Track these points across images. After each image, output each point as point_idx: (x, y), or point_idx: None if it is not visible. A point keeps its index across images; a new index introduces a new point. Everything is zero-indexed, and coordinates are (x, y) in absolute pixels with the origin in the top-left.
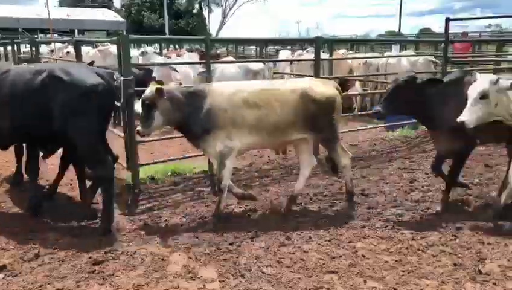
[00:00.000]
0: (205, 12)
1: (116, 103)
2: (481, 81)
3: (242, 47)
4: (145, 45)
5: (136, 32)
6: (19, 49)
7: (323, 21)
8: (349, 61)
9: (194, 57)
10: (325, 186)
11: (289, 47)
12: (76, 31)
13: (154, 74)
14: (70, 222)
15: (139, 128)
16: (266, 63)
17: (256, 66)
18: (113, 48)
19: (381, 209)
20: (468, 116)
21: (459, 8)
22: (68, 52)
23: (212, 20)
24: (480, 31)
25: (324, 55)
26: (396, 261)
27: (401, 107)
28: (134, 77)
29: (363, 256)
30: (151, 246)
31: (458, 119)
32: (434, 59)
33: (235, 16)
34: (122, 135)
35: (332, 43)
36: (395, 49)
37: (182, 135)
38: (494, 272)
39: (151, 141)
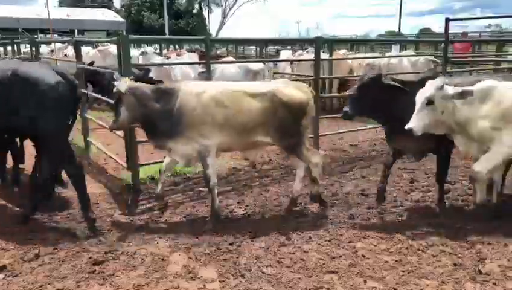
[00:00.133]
0: (205, 13)
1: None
2: (428, 86)
3: (242, 47)
4: (145, 45)
5: (136, 33)
6: (19, 49)
7: (323, 21)
8: (349, 61)
9: (194, 57)
10: (325, 186)
11: (289, 47)
12: (76, 31)
13: (151, 74)
14: (70, 222)
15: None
16: (266, 63)
17: (256, 66)
18: (113, 48)
19: (381, 210)
20: (415, 123)
21: (458, 8)
22: (66, 55)
23: (212, 20)
24: (480, 31)
25: (324, 56)
26: (396, 261)
27: (368, 107)
28: (134, 77)
29: (363, 256)
30: (152, 246)
31: (406, 127)
32: (434, 59)
33: (235, 16)
34: (122, 135)
35: (332, 43)
36: (395, 49)
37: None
38: (494, 272)
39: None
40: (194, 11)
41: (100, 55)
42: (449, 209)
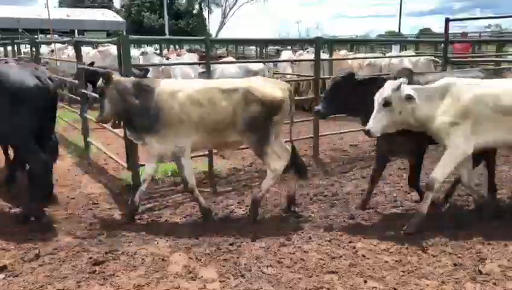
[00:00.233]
0: (205, 13)
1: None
2: (385, 87)
3: (242, 47)
4: (145, 46)
5: (136, 33)
6: (19, 49)
7: (323, 21)
8: (350, 61)
9: (194, 58)
10: (325, 186)
11: (289, 47)
12: (76, 31)
13: (150, 74)
14: (71, 221)
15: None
16: (266, 64)
17: (256, 66)
18: (113, 49)
19: (381, 210)
20: (373, 124)
21: (458, 8)
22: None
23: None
24: (480, 31)
25: (324, 56)
26: (396, 261)
27: (341, 106)
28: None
29: (363, 256)
30: (152, 246)
31: (365, 128)
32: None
33: (235, 16)
34: (122, 134)
35: (332, 44)
36: (395, 50)
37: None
38: (494, 272)
39: None
40: (194, 12)
41: (100, 55)
42: (449, 209)
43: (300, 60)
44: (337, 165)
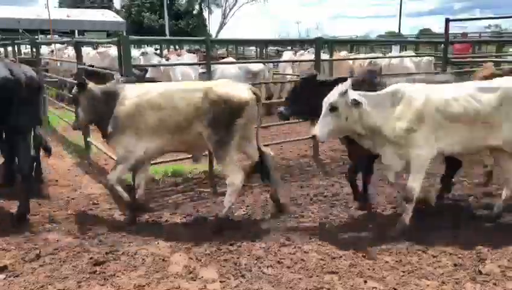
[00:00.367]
0: (205, 13)
1: None
2: (333, 92)
3: (242, 48)
4: (145, 46)
5: (136, 33)
6: (19, 50)
7: (323, 21)
8: (350, 62)
9: (193, 58)
10: (325, 187)
11: (289, 48)
12: (76, 31)
13: (148, 75)
14: (71, 222)
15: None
16: (266, 64)
17: (256, 66)
18: (112, 50)
19: (381, 210)
20: (319, 130)
21: (458, 9)
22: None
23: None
24: (480, 31)
25: (325, 56)
26: (396, 261)
27: (303, 107)
28: (134, 78)
29: (364, 256)
30: (152, 246)
31: (310, 133)
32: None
33: (235, 16)
34: None
35: (333, 44)
36: (395, 50)
37: None
38: (494, 273)
39: None
40: (194, 12)
41: (99, 56)
42: (449, 209)
43: (300, 61)
44: (337, 166)
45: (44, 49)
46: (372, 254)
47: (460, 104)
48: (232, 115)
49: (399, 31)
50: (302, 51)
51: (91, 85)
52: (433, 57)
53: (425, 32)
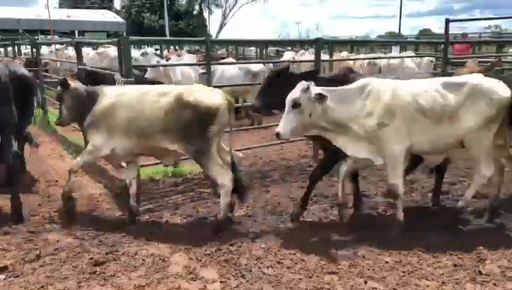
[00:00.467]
0: (205, 14)
1: None
2: (295, 88)
3: (242, 48)
4: (145, 46)
5: (136, 34)
6: (19, 50)
7: (323, 21)
8: (351, 62)
9: (193, 58)
10: (325, 187)
11: (289, 48)
12: (76, 32)
13: (147, 75)
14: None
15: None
16: (266, 64)
17: (256, 67)
18: (110, 51)
19: (381, 210)
20: (282, 127)
21: (458, 9)
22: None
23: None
24: (479, 32)
25: (325, 56)
26: (396, 261)
27: (275, 100)
28: (134, 78)
29: (364, 257)
30: (152, 247)
31: (275, 131)
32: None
33: (235, 17)
34: None
35: (333, 44)
36: (395, 50)
37: None
38: (494, 273)
39: None
40: (194, 12)
41: (98, 57)
42: (449, 209)
43: (300, 61)
44: (337, 166)
45: (44, 50)
46: (372, 254)
47: (428, 98)
48: (204, 121)
49: (399, 31)
50: (303, 51)
51: (74, 84)
52: (433, 58)
53: (425, 32)
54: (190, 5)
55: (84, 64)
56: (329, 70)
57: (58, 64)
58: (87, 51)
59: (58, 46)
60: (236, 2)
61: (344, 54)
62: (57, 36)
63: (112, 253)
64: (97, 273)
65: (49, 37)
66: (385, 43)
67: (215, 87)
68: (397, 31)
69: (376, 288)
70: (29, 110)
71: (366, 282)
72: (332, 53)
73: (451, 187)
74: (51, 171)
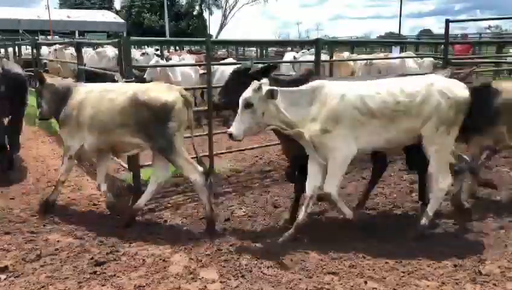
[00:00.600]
0: (205, 14)
1: None
2: (248, 89)
3: (242, 48)
4: (146, 46)
5: (137, 34)
6: (20, 50)
7: (323, 22)
8: (352, 63)
9: (191, 59)
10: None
11: (289, 48)
12: (76, 32)
13: (146, 75)
14: (72, 222)
15: None
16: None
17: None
18: (109, 51)
19: (381, 211)
20: (235, 127)
21: (458, 10)
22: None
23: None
24: (480, 32)
25: (325, 57)
26: (396, 262)
27: (235, 97)
28: (135, 78)
29: (364, 257)
30: (153, 247)
31: (227, 132)
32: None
33: (235, 17)
34: None
35: (333, 45)
36: (396, 51)
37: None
38: (494, 273)
39: None
40: (195, 13)
41: (97, 57)
42: (449, 209)
43: (300, 62)
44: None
45: (44, 50)
46: (372, 254)
47: (379, 100)
48: (160, 119)
49: (399, 31)
50: (305, 50)
51: (50, 80)
52: (432, 59)
53: (425, 33)
54: (190, 5)
55: (85, 65)
56: (330, 71)
57: (58, 65)
58: (86, 51)
59: (56, 46)
60: (236, 2)
61: (346, 54)
62: (57, 36)
63: (113, 253)
64: (97, 273)
65: (49, 37)
66: (385, 43)
67: (215, 87)
68: (397, 31)
69: (376, 288)
70: (22, 109)
71: (366, 282)
72: (333, 54)
73: (451, 187)
74: (51, 171)
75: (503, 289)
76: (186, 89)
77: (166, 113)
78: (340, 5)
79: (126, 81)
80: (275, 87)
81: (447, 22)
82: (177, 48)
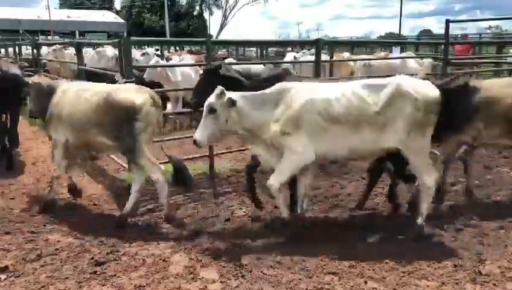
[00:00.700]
0: (206, 14)
1: None
2: (212, 94)
3: (243, 49)
4: (146, 46)
5: (137, 34)
6: (20, 50)
7: (324, 22)
8: (352, 63)
9: (192, 59)
10: (325, 187)
11: (289, 48)
12: (77, 32)
13: (145, 76)
14: (72, 222)
15: None
16: (266, 65)
17: (256, 67)
18: (108, 51)
19: (381, 211)
20: (199, 133)
21: (458, 10)
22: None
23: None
24: (480, 32)
25: (325, 57)
26: (396, 261)
27: (205, 97)
28: (135, 79)
29: (364, 257)
30: (153, 247)
31: (193, 137)
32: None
33: (236, 17)
34: None
35: (333, 45)
36: (396, 51)
37: (184, 136)
38: (494, 273)
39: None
40: (195, 13)
41: (97, 56)
42: (449, 209)
43: (301, 62)
44: (338, 166)
45: (45, 50)
46: (372, 254)
47: (342, 104)
48: (127, 119)
49: (399, 32)
50: (306, 51)
51: (36, 78)
52: (432, 59)
53: (425, 33)
54: (190, 5)
55: (85, 65)
56: (330, 71)
57: (58, 65)
58: (87, 51)
59: (55, 46)
60: (236, 2)
61: (346, 54)
62: (57, 37)
63: (113, 253)
64: (98, 273)
65: (49, 37)
66: (385, 43)
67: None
68: (397, 31)
69: (376, 288)
70: (19, 108)
71: (366, 282)
72: (333, 54)
73: (451, 188)
74: (51, 171)
75: (503, 289)
76: (186, 89)
77: (133, 114)
78: (340, 5)
79: (126, 81)
80: (237, 94)
81: (447, 22)
82: (178, 48)
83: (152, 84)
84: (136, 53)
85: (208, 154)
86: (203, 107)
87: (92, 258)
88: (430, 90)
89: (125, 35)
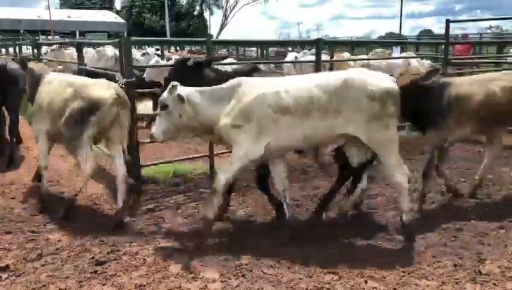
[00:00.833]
0: (206, 14)
1: None
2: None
3: (243, 48)
4: (146, 46)
5: (137, 34)
6: (20, 50)
7: (324, 22)
8: (352, 63)
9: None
10: (325, 187)
11: (290, 48)
12: (77, 32)
13: (145, 75)
14: (72, 222)
15: None
16: (266, 65)
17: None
18: (108, 51)
19: (381, 211)
20: (155, 129)
21: (459, 10)
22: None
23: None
24: (480, 32)
25: (326, 57)
26: (396, 261)
27: None
28: (136, 79)
29: (364, 257)
30: (153, 246)
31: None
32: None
33: (236, 17)
34: None
35: (333, 45)
36: (396, 51)
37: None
38: (494, 273)
39: (152, 142)
40: (195, 13)
41: (96, 56)
42: (449, 209)
43: (301, 62)
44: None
45: (44, 50)
46: (372, 254)
47: (293, 96)
48: (85, 112)
49: (400, 32)
50: (306, 51)
51: (32, 65)
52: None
53: (426, 33)
54: (191, 5)
55: (85, 65)
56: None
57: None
58: (87, 51)
59: (54, 46)
60: (237, 2)
61: (347, 54)
62: (57, 37)
63: (113, 252)
64: (98, 272)
65: (50, 37)
66: (386, 43)
67: None
68: (398, 31)
69: (376, 288)
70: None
71: (366, 282)
72: (333, 54)
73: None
74: (52, 170)
75: (503, 289)
76: None
77: (93, 108)
78: (340, 5)
79: (127, 81)
80: (191, 90)
81: (448, 22)
82: (178, 48)
83: (152, 84)
84: (136, 53)
85: (208, 154)
86: None
87: (93, 257)
88: (386, 82)
89: (125, 35)
